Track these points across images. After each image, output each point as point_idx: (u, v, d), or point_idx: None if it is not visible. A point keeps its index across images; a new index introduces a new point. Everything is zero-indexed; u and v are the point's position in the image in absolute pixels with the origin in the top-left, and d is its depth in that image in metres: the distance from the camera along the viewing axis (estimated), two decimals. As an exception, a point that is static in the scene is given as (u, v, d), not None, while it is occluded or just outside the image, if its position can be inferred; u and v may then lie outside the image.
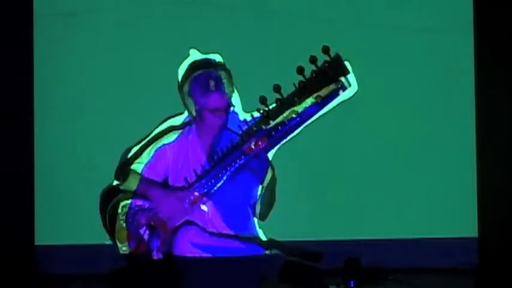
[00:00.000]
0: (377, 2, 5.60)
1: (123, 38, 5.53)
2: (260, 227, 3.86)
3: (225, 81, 3.72)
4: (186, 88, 3.77)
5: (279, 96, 3.59)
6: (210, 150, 3.77)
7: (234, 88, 3.80)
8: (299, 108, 3.60)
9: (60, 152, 5.47)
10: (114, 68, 5.51)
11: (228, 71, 3.79)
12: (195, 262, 3.68)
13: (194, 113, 3.78)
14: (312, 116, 3.62)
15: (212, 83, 3.70)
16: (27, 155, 5.41)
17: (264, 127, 3.63)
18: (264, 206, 3.82)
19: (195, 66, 3.81)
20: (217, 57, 3.87)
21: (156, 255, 3.64)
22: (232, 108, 3.76)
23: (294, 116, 3.61)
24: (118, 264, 3.71)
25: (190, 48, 5.05)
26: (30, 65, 5.43)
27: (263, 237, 3.83)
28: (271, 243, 3.77)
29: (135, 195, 3.75)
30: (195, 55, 3.94)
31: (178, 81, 3.88)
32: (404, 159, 5.59)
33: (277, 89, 3.56)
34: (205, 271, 3.65)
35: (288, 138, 3.67)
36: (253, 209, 3.83)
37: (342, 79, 3.55)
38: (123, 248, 3.73)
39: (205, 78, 3.72)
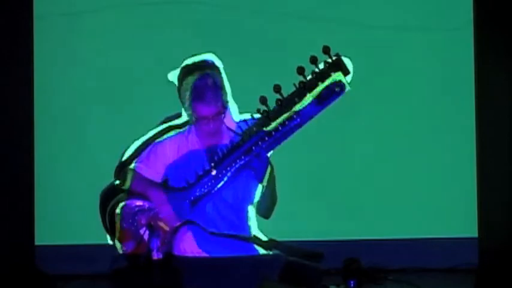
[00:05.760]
0: (377, 1, 5.60)
1: (123, 37, 5.53)
2: (260, 227, 3.86)
3: (212, 88, 3.69)
4: (180, 91, 3.77)
5: (279, 97, 3.59)
6: (210, 151, 3.77)
7: (226, 91, 3.75)
8: (299, 109, 3.60)
9: (60, 152, 5.47)
10: (114, 67, 5.51)
11: (218, 74, 3.74)
12: (195, 262, 3.68)
13: (190, 117, 3.78)
14: (312, 116, 3.61)
15: (204, 94, 3.67)
16: (27, 155, 5.41)
17: (264, 127, 3.63)
18: (267, 205, 3.82)
19: (186, 71, 3.77)
20: (209, 58, 3.82)
21: (156, 255, 3.64)
22: (223, 116, 3.72)
23: (294, 116, 3.61)
24: (118, 264, 3.71)
25: (190, 47, 5.06)
26: (30, 65, 5.43)
27: (263, 238, 3.83)
28: (271, 243, 3.77)
29: (134, 195, 3.75)
30: (189, 57, 3.90)
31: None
32: (404, 159, 5.59)
33: (277, 89, 3.56)
34: (205, 271, 3.65)
35: (288, 138, 3.67)
36: (256, 208, 3.83)
37: (343, 79, 3.55)
38: (123, 248, 3.73)
39: (194, 87, 3.69)
